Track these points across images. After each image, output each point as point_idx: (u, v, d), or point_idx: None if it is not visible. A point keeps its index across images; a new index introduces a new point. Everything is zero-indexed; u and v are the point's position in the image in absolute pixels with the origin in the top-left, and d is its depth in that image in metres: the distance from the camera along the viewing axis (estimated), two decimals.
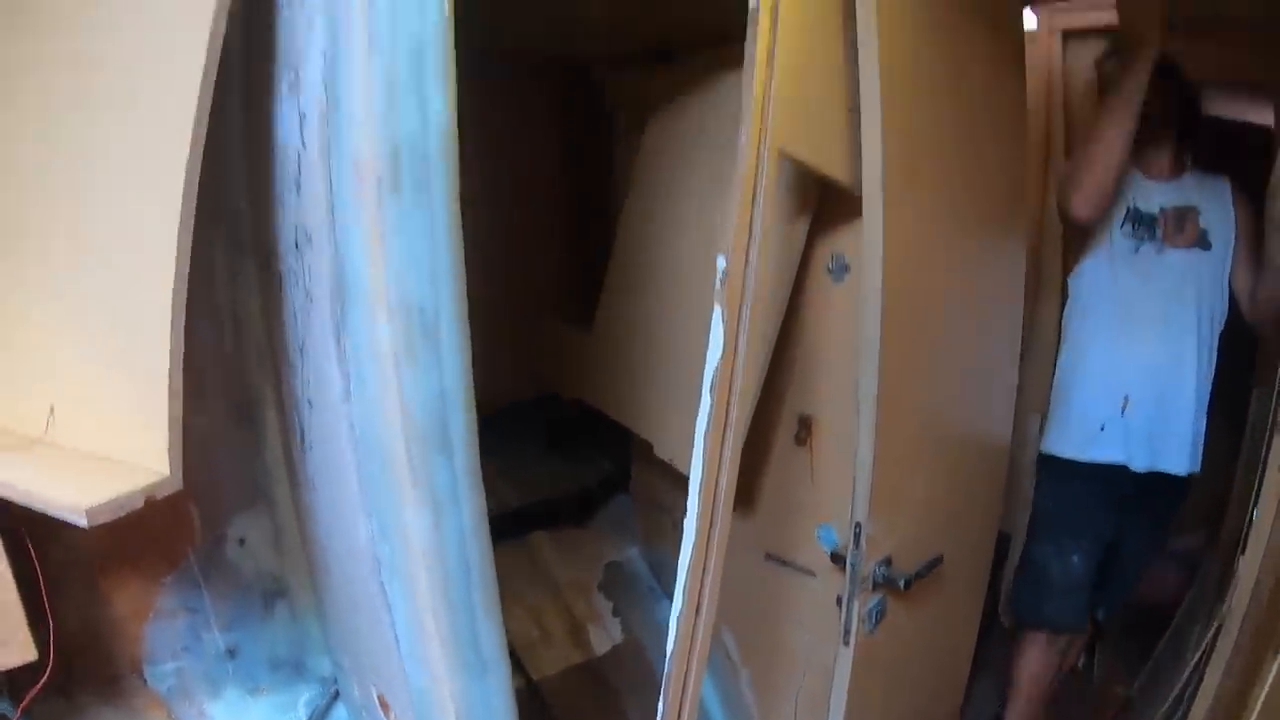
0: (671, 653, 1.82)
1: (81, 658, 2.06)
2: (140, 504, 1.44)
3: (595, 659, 2.90)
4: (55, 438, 1.60)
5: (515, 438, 3.32)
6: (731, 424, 1.69)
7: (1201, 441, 2.62)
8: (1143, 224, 2.58)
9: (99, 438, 1.56)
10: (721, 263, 1.59)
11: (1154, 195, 2.60)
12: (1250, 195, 2.61)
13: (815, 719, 2.38)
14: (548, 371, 3.26)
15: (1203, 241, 2.55)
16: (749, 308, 1.64)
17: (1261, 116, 3.19)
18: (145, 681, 2.14)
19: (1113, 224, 2.60)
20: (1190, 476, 2.65)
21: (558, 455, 3.51)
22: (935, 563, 2.28)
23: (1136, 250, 2.58)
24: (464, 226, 1.35)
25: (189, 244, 1.44)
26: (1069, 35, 3.10)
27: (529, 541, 3.17)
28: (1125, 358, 2.60)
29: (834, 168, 1.87)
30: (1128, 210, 2.60)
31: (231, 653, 2.24)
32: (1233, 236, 2.57)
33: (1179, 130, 2.62)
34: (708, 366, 1.62)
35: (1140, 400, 2.58)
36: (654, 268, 2.61)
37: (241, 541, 2.25)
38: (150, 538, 2.10)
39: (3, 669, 1.71)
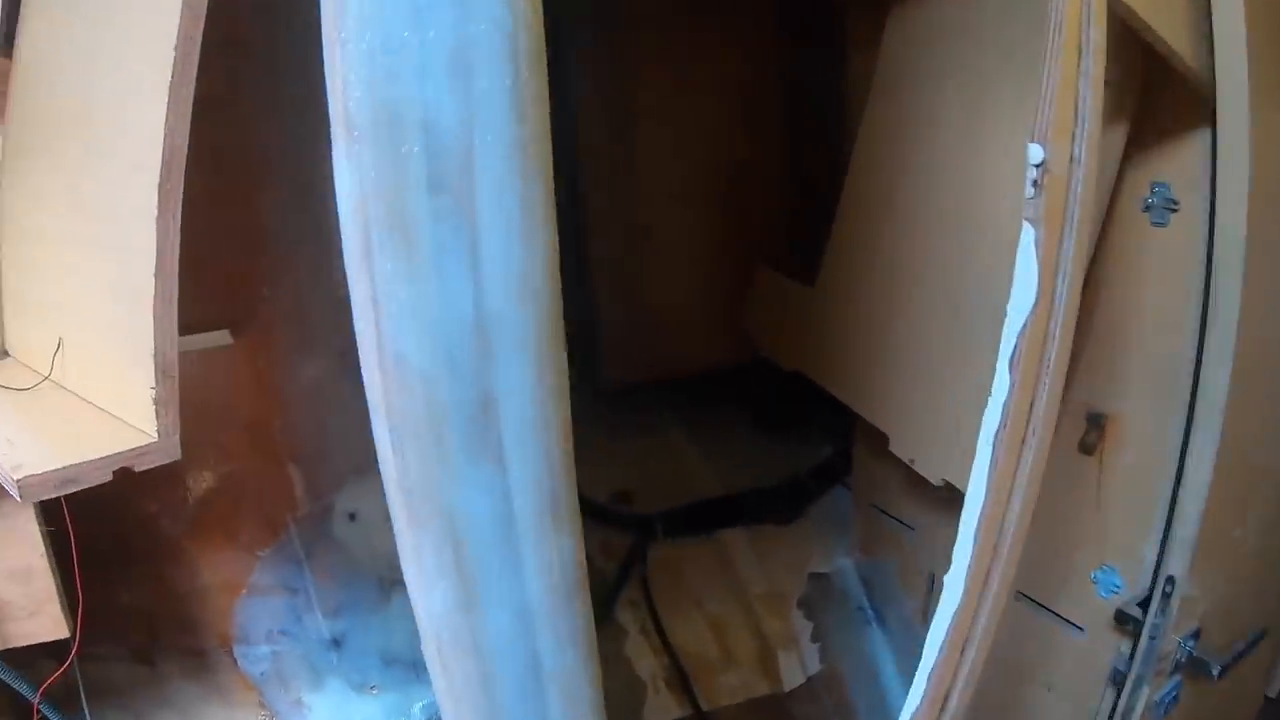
0: None
1: (165, 625, 1.95)
2: (106, 477, 1.13)
3: (783, 693, 2.56)
4: (65, 377, 1.35)
5: (717, 411, 3.05)
6: (1038, 420, 1.27)
7: None
8: None
9: (100, 382, 1.29)
10: (1037, 154, 1.18)
11: None
12: None
13: None
14: (760, 334, 2.88)
15: None
16: (1075, 231, 1.21)
17: None
18: (236, 661, 2.01)
19: None
20: None
21: (765, 436, 3.09)
22: (1256, 641, 1.93)
23: None
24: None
25: (187, 112, 1.07)
26: None
27: (721, 539, 2.81)
28: None
29: (1178, 39, 1.43)
30: None
31: (337, 642, 2.08)
32: None
33: None
34: (1008, 325, 1.23)
35: None
36: (901, 203, 2.23)
37: (352, 516, 2.08)
38: (245, 501, 1.96)
39: (29, 642, 1.53)
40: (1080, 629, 1.97)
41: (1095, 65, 1.20)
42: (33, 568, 1.48)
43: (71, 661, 1.54)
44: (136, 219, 1.10)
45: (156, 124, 1.06)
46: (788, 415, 3.08)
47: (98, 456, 1.08)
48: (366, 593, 2.06)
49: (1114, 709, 1.81)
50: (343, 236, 0.78)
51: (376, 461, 1.94)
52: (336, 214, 1.76)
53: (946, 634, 1.32)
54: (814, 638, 2.69)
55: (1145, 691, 1.74)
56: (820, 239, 2.53)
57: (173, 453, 1.13)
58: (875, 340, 2.29)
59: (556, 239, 0.79)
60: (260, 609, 1.98)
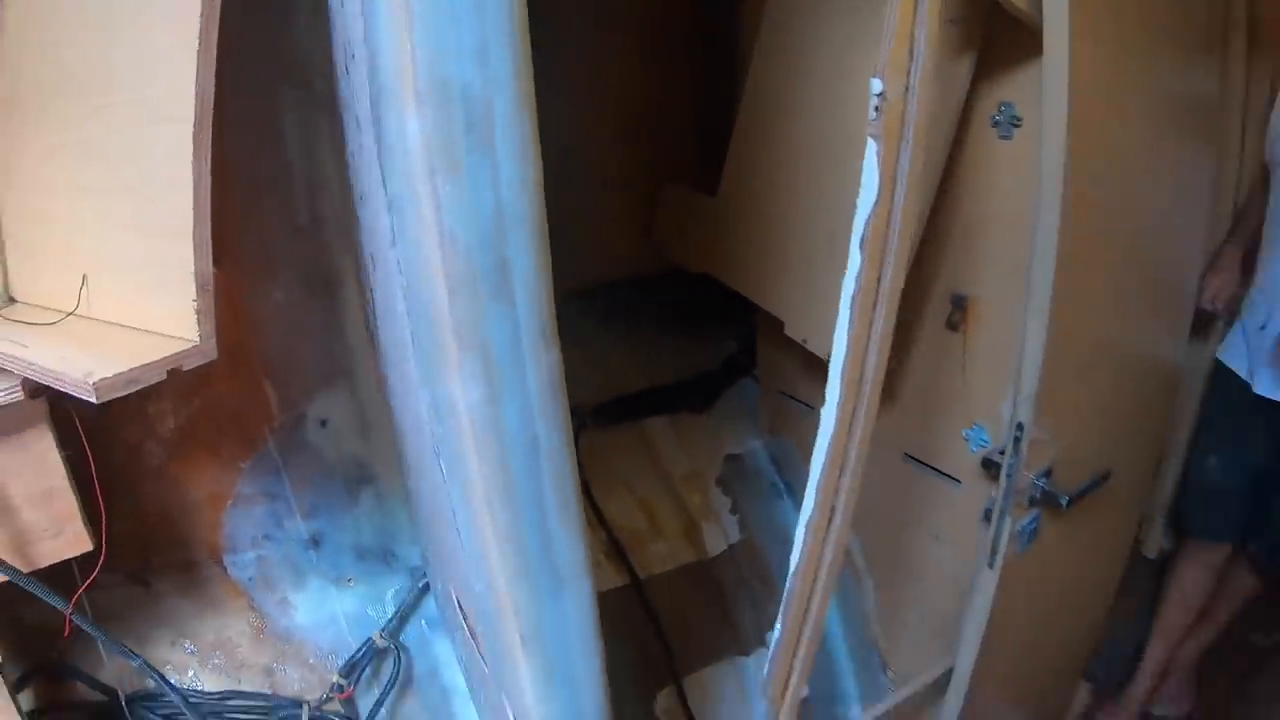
0: (796, 567, 1.60)
1: (158, 545, 2.00)
2: (162, 376, 1.26)
3: (708, 559, 2.73)
4: (90, 310, 1.44)
5: (634, 315, 3.12)
6: (885, 291, 1.46)
7: None
8: None
9: (132, 307, 1.39)
10: (877, 86, 1.35)
11: None
12: None
13: (944, 640, 2.24)
14: (669, 244, 2.97)
15: None
16: (910, 146, 1.39)
17: None
18: (225, 570, 2.07)
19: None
20: None
21: (679, 335, 3.20)
22: (1102, 479, 2.05)
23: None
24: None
25: (212, 69, 1.21)
26: None
27: (644, 427, 2.92)
28: (1274, 276, 2.34)
29: None
30: None
31: (315, 541, 2.14)
32: None
33: None
34: (858, 216, 1.40)
35: (1275, 323, 2.31)
36: (789, 120, 2.32)
37: (323, 423, 2.12)
38: (226, 419, 2.00)
39: (55, 560, 1.60)
40: (957, 481, 2.19)
41: (930, 13, 1.35)
42: (54, 489, 1.55)
43: (99, 569, 1.60)
44: (168, 164, 1.23)
45: (185, 80, 1.19)
46: (698, 315, 3.14)
47: (155, 359, 1.22)
48: (338, 493, 2.14)
49: (985, 545, 1.94)
50: (409, 162, 1.00)
51: (342, 371, 2.08)
52: (295, 155, 1.88)
53: (826, 455, 1.50)
54: (732, 511, 2.83)
55: (1009, 522, 1.87)
56: (722, 154, 2.61)
57: (211, 354, 1.27)
58: (770, 240, 2.41)
59: (540, 159, 1.04)
60: (245, 517, 2.05)
